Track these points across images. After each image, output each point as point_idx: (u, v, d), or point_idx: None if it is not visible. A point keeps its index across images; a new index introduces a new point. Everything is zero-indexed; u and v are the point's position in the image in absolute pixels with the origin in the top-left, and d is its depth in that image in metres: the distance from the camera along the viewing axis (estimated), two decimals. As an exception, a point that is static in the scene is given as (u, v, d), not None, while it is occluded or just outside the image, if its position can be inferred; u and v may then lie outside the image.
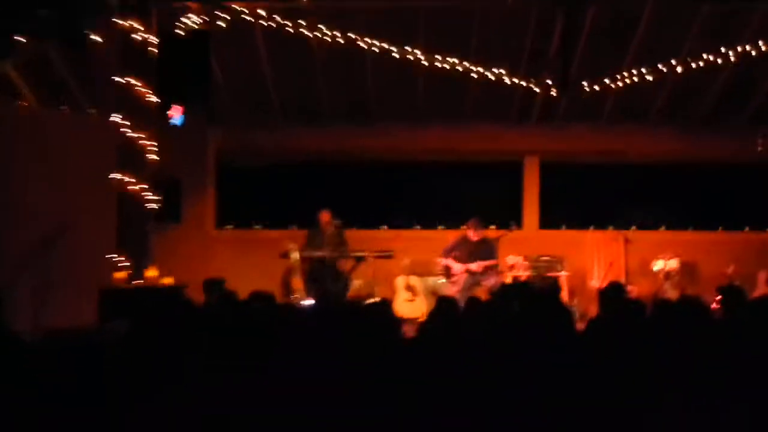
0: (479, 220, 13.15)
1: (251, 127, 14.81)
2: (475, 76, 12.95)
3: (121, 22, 11.11)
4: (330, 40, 12.25)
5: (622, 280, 13.71)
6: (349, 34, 12.29)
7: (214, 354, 5.01)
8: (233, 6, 11.81)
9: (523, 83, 13.17)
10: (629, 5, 12.72)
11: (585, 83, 13.12)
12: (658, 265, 14.02)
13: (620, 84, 13.14)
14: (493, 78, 12.97)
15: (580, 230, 15.26)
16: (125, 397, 4.21)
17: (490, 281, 12.66)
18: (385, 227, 15.36)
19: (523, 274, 13.61)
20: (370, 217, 15.24)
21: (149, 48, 11.24)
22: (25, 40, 10.23)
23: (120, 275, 10.68)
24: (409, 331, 6.41)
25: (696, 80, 13.53)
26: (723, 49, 12.54)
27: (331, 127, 14.86)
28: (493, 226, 14.29)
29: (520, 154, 15.49)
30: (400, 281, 13.57)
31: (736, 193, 15.45)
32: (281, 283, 13.03)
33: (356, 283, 13.52)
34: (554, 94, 13.18)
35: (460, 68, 12.80)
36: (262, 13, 11.92)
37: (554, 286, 11.51)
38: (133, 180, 11.13)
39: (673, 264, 13.93)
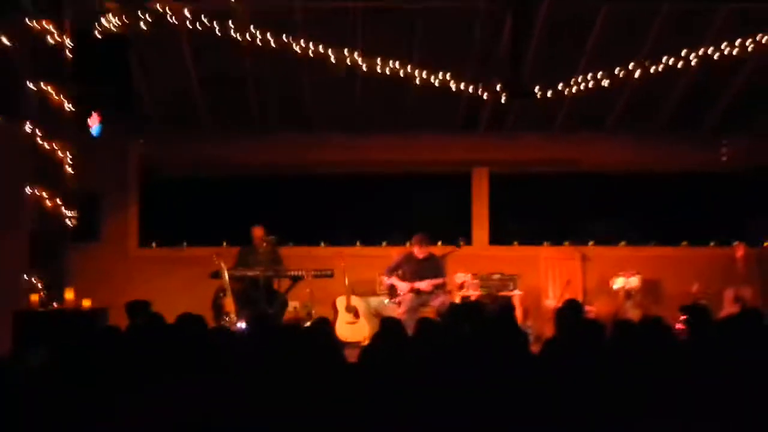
0: (425, 236, 13.17)
1: (177, 138, 14.69)
2: (418, 81, 12.92)
3: (33, 23, 11.01)
4: (261, 43, 12.22)
5: (580, 299, 13.64)
6: (282, 37, 12.27)
7: (140, 384, 4.97)
8: (156, 7, 11.72)
9: (470, 89, 13.11)
10: (584, 4, 12.76)
11: (537, 88, 13.11)
12: (618, 283, 14.04)
13: (575, 89, 13.07)
14: (437, 83, 12.93)
15: (533, 246, 15.29)
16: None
17: (438, 301, 12.65)
18: (324, 244, 15.27)
19: (474, 293, 13.62)
20: (307, 233, 15.15)
21: (64, 52, 11.15)
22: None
23: (35, 297, 10.58)
24: (351, 355, 6.40)
25: (655, 85, 13.58)
26: (684, 52, 12.62)
27: (263, 137, 14.83)
28: (439, 242, 14.31)
29: (468, 165, 15.48)
30: (341, 302, 13.53)
31: (700, 206, 15.44)
32: (212, 306, 12.94)
33: (293, 305, 13.50)
34: (504, 101, 13.14)
35: (401, 73, 12.81)
36: (188, 14, 11.87)
37: (507, 306, 11.52)
38: (49, 194, 11.03)
39: (633, 282, 13.97)
